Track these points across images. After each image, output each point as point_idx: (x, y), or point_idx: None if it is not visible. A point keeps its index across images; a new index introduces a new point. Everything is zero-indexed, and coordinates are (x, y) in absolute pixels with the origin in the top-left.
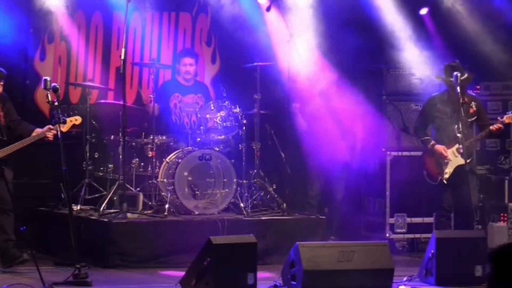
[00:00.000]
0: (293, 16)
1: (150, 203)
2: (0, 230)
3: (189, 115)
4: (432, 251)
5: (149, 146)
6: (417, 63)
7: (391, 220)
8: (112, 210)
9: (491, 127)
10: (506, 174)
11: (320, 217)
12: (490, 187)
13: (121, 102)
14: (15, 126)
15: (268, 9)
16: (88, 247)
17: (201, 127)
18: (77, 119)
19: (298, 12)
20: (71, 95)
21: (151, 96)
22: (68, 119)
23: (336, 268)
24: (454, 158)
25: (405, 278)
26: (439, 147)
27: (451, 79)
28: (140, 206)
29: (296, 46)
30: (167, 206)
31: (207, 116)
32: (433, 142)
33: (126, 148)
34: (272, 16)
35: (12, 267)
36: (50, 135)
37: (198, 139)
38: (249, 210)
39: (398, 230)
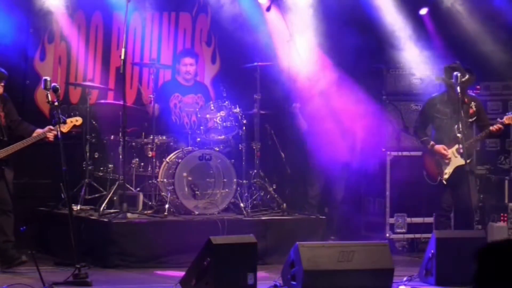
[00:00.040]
0: (293, 16)
1: (150, 203)
2: None
3: (189, 115)
4: (432, 251)
5: (149, 146)
6: (417, 63)
7: (391, 220)
8: (112, 210)
9: (491, 128)
10: (506, 174)
11: (320, 217)
12: (490, 187)
13: (121, 102)
14: (15, 127)
15: (268, 9)
16: (88, 247)
17: (201, 127)
18: (77, 120)
19: (298, 12)
20: (71, 95)
21: (151, 96)
22: (68, 120)
23: (336, 268)
24: (454, 158)
25: (405, 278)
26: (439, 147)
27: (452, 80)
28: (140, 206)
29: (296, 46)
30: (167, 206)
31: (207, 116)
32: (432, 142)
33: (126, 148)
34: (272, 16)
35: (11, 268)
36: (50, 135)
37: (198, 139)
38: (249, 210)
39: (398, 230)
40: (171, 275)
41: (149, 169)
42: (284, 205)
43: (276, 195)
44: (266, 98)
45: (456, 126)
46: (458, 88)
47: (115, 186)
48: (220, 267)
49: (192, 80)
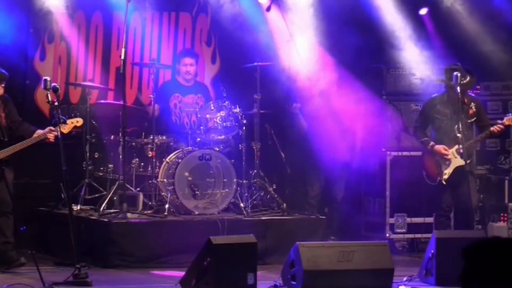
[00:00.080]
0: (293, 16)
1: (150, 203)
2: None
3: (189, 115)
4: (432, 251)
5: (149, 146)
6: (417, 63)
7: (391, 220)
8: (112, 210)
9: (492, 129)
10: (506, 174)
11: (320, 217)
12: (490, 187)
13: (121, 102)
14: (16, 127)
15: (268, 9)
16: (88, 247)
17: (201, 127)
18: (78, 121)
19: (298, 12)
20: (71, 95)
21: (151, 96)
22: (69, 121)
23: (336, 268)
24: (454, 158)
25: (405, 278)
26: (439, 147)
27: (453, 82)
28: (140, 206)
29: (296, 46)
30: (167, 206)
31: (207, 116)
32: (432, 143)
33: (126, 148)
34: (272, 16)
35: (10, 270)
36: (51, 136)
37: (198, 139)
38: (249, 210)
39: (398, 230)
40: (171, 275)
41: (149, 169)
42: (284, 205)
43: (276, 195)
44: (266, 98)
45: (456, 126)
46: (458, 88)
47: (115, 186)
48: (220, 267)
49: (192, 80)
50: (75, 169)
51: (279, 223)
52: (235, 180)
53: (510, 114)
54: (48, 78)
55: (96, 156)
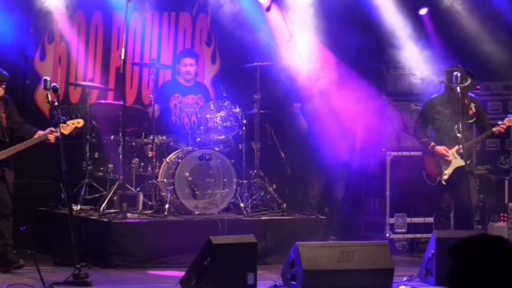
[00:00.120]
0: (294, 15)
1: (150, 203)
2: None
3: (189, 116)
4: (432, 251)
5: (149, 146)
6: (417, 62)
7: (391, 220)
8: (112, 210)
9: (494, 130)
10: (506, 174)
11: (320, 217)
12: (490, 187)
13: (121, 102)
14: (17, 128)
15: (268, 9)
16: (88, 247)
17: (201, 127)
18: (79, 122)
19: (298, 11)
20: (71, 95)
21: (151, 96)
22: (70, 122)
23: (336, 268)
24: (454, 159)
25: (405, 278)
26: (440, 148)
27: (453, 83)
28: (140, 206)
29: (297, 46)
30: (167, 206)
31: (207, 116)
32: (433, 143)
33: (126, 148)
34: (273, 16)
35: (9, 272)
36: (51, 137)
37: (198, 139)
38: (249, 210)
39: (398, 230)
40: (171, 275)
41: (149, 169)
42: (284, 205)
43: (276, 195)
44: (266, 98)
45: (456, 126)
46: (458, 89)
47: (115, 186)
48: (220, 267)
49: (192, 81)
50: (75, 169)
51: (279, 223)
52: (235, 180)
53: (510, 115)
54: (48, 78)
55: (96, 156)
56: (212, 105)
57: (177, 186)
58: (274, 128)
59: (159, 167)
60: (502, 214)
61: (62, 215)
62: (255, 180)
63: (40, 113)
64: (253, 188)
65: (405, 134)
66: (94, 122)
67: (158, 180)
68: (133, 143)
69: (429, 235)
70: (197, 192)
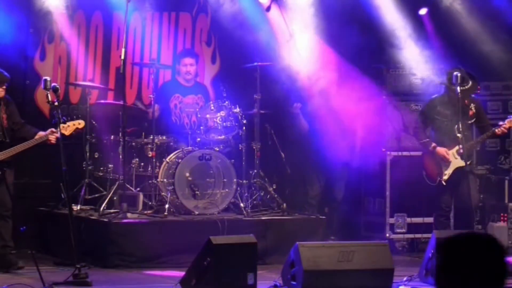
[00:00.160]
0: (294, 15)
1: (150, 203)
2: None
3: (189, 116)
4: (432, 251)
5: (149, 146)
6: (417, 62)
7: (391, 220)
8: (112, 210)
9: (496, 131)
10: (506, 174)
11: (320, 217)
12: (490, 187)
13: (121, 102)
14: (18, 129)
15: (268, 9)
16: (88, 247)
17: (201, 127)
18: (80, 123)
19: (298, 11)
20: (71, 95)
21: (151, 96)
22: (71, 123)
23: (336, 268)
24: (454, 159)
25: (405, 278)
26: (441, 150)
27: (453, 85)
28: (140, 206)
29: (297, 45)
30: (167, 206)
31: (207, 116)
32: (434, 144)
33: (126, 148)
34: (273, 16)
35: (9, 271)
36: (52, 138)
37: (198, 139)
38: (249, 210)
39: (398, 230)
40: (171, 275)
41: (149, 169)
42: (284, 205)
43: (276, 195)
44: (266, 98)
45: (456, 127)
46: (458, 89)
47: (115, 186)
48: (220, 267)
49: (192, 81)
50: (75, 169)
51: (279, 223)
52: (235, 180)
53: (511, 116)
54: (48, 78)
55: (96, 156)
56: (212, 105)
57: (177, 186)
58: (274, 128)
59: (159, 167)
60: (502, 214)
61: (62, 215)
62: (255, 180)
63: (40, 113)
64: (253, 188)
65: (405, 134)
66: (94, 122)
67: (158, 180)
68: (133, 143)
69: (429, 235)
70: (197, 192)
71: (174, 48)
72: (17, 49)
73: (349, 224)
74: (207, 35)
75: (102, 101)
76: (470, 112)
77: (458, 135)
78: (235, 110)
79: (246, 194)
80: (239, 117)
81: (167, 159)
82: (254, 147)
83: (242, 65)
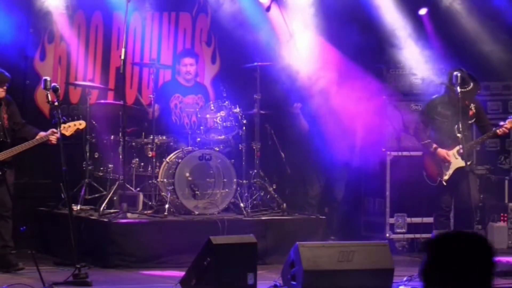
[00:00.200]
0: (294, 15)
1: (150, 203)
2: None
3: (189, 116)
4: None
5: (149, 146)
6: (417, 62)
7: (391, 220)
8: (112, 210)
9: (498, 131)
10: (506, 174)
11: (320, 217)
12: (490, 187)
13: (121, 102)
14: (19, 129)
15: (268, 9)
16: (88, 247)
17: (201, 127)
18: (81, 124)
19: (298, 11)
20: (71, 95)
21: (151, 96)
22: (72, 123)
23: (336, 268)
24: (454, 160)
25: (405, 278)
26: (442, 152)
27: (453, 86)
28: (140, 206)
29: (297, 45)
30: (167, 206)
31: (207, 116)
32: (435, 145)
33: (126, 148)
34: (273, 15)
35: (9, 272)
36: (53, 138)
37: (198, 139)
38: (249, 210)
39: (398, 230)
40: (171, 275)
41: (149, 169)
42: (284, 205)
43: (276, 195)
44: (266, 98)
45: (456, 127)
46: (458, 89)
47: (115, 186)
48: (220, 267)
49: (192, 81)
50: (75, 169)
51: (279, 223)
52: (235, 180)
53: (511, 117)
54: (48, 78)
55: (96, 156)
56: (212, 105)
57: (177, 186)
58: (274, 128)
59: (159, 167)
60: (502, 214)
61: (62, 215)
62: (255, 180)
63: (40, 113)
64: (253, 188)
65: (405, 134)
66: (94, 122)
67: (158, 180)
68: (133, 143)
69: (429, 235)
70: (197, 192)
71: (174, 48)
72: (17, 49)
73: (349, 224)
74: (207, 35)
75: (102, 101)
76: (470, 112)
77: (458, 135)
78: (235, 110)
79: (246, 194)
80: (239, 117)
81: (167, 159)
82: (254, 147)
83: (242, 65)
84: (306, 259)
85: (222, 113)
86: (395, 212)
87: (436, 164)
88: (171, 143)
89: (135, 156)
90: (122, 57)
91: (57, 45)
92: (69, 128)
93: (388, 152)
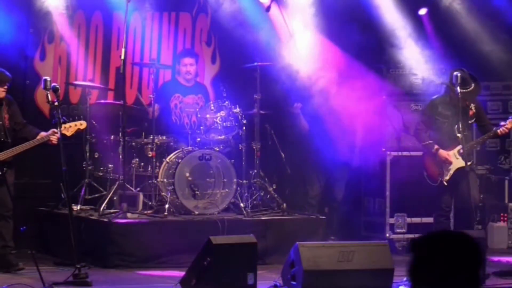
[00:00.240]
0: (294, 15)
1: (150, 203)
2: None
3: (189, 116)
4: None
5: (149, 146)
6: (417, 62)
7: (391, 220)
8: (112, 210)
9: (499, 131)
10: (506, 174)
11: (320, 217)
12: (490, 187)
13: (121, 102)
14: (20, 129)
15: (268, 9)
16: (88, 247)
17: (201, 127)
18: (82, 124)
19: (298, 11)
20: (71, 95)
21: (151, 96)
22: (73, 123)
23: (336, 268)
24: (455, 160)
25: (405, 278)
26: (444, 153)
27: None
28: (140, 206)
29: (297, 45)
30: (167, 206)
31: (207, 116)
32: (436, 146)
33: (126, 148)
34: (273, 15)
35: (9, 272)
36: (54, 138)
37: (198, 139)
38: (249, 210)
39: (398, 230)
40: (171, 275)
41: (149, 169)
42: (284, 205)
43: (276, 195)
44: (266, 98)
45: (456, 127)
46: (458, 89)
47: (115, 186)
48: (220, 267)
49: (192, 81)
50: (75, 169)
51: (279, 223)
52: (235, 180)
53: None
54: (48, 78)
55: (96, 156)
56: (212, 105)
57: (177, 186)
58: (274, 128)
59: (159, 167)
60: (502, 214)
61: (62, 215)
62: (255, 180)
63: (40, 113)
64: (253, 188)
65: (405, 134)
66: (94, 122)
67: (158, 180)
68: (133, 143)
69: None
70: (197, 192)
71: (174, 48)
72: (17, 49)
73: (349, 224)
74: (207, 35)
75: (102, 101)
76: (471, 112)
77: (458, 135)
78: (235, 110)
79: (246, 194)
80: (239, 117)
81: (167, 159)
82: (254, 147)
83: (242, 65)
84: (306, 259)
85: (222, 113)
86: (395, 212)
87: (437, 164)
88: (171, 143)
89: (135, 156)
90: (122, 57)
91: (57, 45)
92: (70, 128)
93: (388, 152)
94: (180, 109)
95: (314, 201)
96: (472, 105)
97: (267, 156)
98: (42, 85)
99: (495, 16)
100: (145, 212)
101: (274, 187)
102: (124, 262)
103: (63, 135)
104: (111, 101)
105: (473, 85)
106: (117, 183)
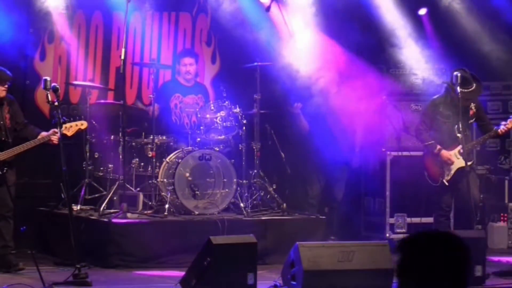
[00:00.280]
0: (294, 15)
1: (150, 203)
2: None
3: (189, 116)
4: None
5: (149, 146)
6: (417, 62)
7: (391, 220)
8: (112, 210)
9: (499, 130)
10: (506, 174)
11: (320, 217)
12: (490, 187)
13: (121, 102)
14: (21, 129)
15: (268, 9)
16: (88, 247)
17: (201, 127)
18: (82, 124)
19: (298, 11)
20: (71, 95)
21: (151, 96)
22: (74, 123)
23: (336, 268)
24: (456, 160)
25: None
26: (446, 153)
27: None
28: (140, 206)
29: (297, 45)
30: (167, 206)
31: (207, 116)
32: (439, 147)
33: (126, 148)
34: (273, 15)
35: (9, 272)
36: (54, 138)
37: (198, 139)
38: (249, 210)
39: (398, 230)
40: (171, 275)
41: (149, 169)
42: (284, 205)
43: (276, 195)
44: (266, 98)
45: (456, 126)
46: (458, 89)
47: (115, 186)
48: (220, 267)
49: (192, 81)
50: (75, 169)
51: (279, 223)
52: (235, 180)
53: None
54: (48, 78)
55: (96, 156)
56: (212, 105)
57: (177, 186)
58: (274, 128)
59: (159, 167)
60: (502, 214)
61: (62, 215)
62: (255, 180)
63: (40, 113)
64: (253, 188)
65: (405, 134)
66: (94, 122)
67: (158, 180)
68: (133, 143)
69: None
70: (197, 192)
71: (174, 48)
72: (17, 49)
73: (349, 224)
74: (207, 35)
75: (102, 101)
76: (471, 112)
77: (458, 135)
78: (235, 110)
79: (246, 194)
80: (239, 117)
81: (167, 159)
82: (254, 147)
83: (242, 65)
84: (306, 259)
85: (222, 113)
86: (395, 212)
87: (437, 164)
88: (171, 143)
89: (135, 156)
90: (122, 57)
91: (57, 45)
92: (70, 128)
93: (388, 152)
94: (180, 109)
95: (314, 201)
96: (473, 105)
97: (267, 156)
98: (42, 85)
99: (495, 16)
100: (145, 212)
101: (274, 187)
102: (124, 262)
103: (64, 135)
104: (111, 101)
105: (474, 85)
106: (117, 183)
